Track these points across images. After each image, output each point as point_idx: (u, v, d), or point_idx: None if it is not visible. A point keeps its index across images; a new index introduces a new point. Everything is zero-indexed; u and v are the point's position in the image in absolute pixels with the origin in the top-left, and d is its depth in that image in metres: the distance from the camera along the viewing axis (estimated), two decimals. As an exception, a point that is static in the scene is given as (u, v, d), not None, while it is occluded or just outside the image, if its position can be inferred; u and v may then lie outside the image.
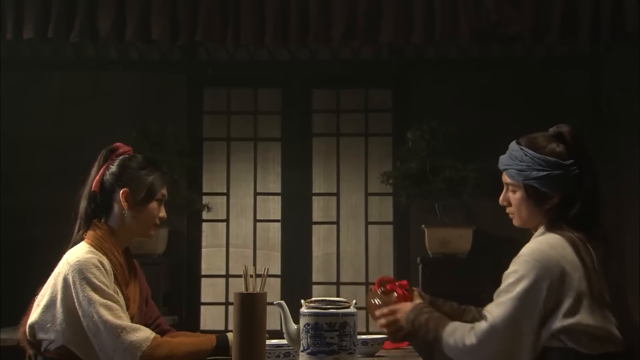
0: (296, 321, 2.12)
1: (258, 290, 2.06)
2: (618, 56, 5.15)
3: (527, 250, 2.09)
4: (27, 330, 2.23)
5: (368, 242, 5.53)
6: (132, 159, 2.38)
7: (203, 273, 5.52)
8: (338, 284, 5.50)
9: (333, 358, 2.01)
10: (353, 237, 5.56)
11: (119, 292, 2.24)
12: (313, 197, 5.56)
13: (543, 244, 2.08)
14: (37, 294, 2.28)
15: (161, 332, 2.41)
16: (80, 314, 2.15)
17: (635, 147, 4.94)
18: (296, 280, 5.42)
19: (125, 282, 2.31)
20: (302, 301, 2.11)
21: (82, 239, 2.30)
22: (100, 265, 2.21)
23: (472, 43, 4.65)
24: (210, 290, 5.52)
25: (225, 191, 5.60)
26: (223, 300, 5.50)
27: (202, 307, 5.50)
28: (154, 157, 2.49)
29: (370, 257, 5.52)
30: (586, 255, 2.06)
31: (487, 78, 5.42)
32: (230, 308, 5.28)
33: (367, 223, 5.54)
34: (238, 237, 5.58)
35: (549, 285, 2.02)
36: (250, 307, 2.01)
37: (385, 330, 2.28)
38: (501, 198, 2.27)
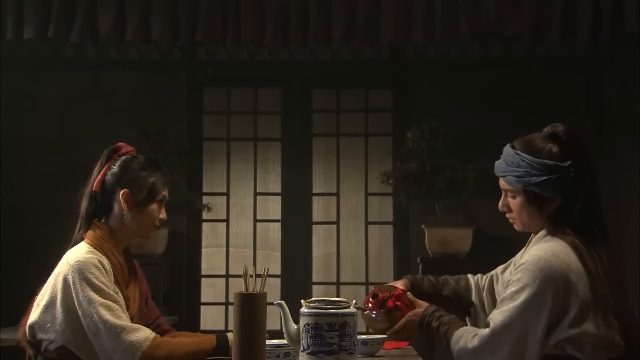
0: (296, 321, 2.12)
1: (258, 290, 2.06)
2: (618, 56, 5.15)
3: (531, 258, 2.05)
4: (27, 330, 2.23)
5: (368, 242, 5.53)
6: (134, 159, 2.38)
7: (203, 273, 5.52)
8: (338, 284, 5.50)
9: (333, 358, 2.01)
10: (353, 237, 5.56)
11: (119, 292, 2.23)
12: (313, 197, 5.56)
13: (547, 253, 2.04)
14: (37, 294, 2.28)
15: (161, 332, 2.41)
16: (80, 314, 2.15)
17: (635, 147, 4.94)
18: (296, 280, 5.42)
19: (125, 282, 2.31)
20: (302, 301, 2.11)
21: (82, 239, 2.30)
22: (100, 265, 2.20)
23: (472, 43, 4.65)
24: (210, 290, 5.52)
25: (225, 191, 5.60)
26: (223, 300, 5.51)
27: (202, 307, 5.51)
28: (155, 158, 2.48)
29: (370, 257, 5.52)
30: (590, 261, 2.03)
31: (487, 78, 5.42)
32: (230, 308, 5.28)
33: (367, 223, 5.54)
34: (238, 237, 5.58)
35: (553, 295, 1.99)
36: (250, 307, 2.00)
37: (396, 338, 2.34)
38: (500, 204, 2.24)
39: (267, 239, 5.57)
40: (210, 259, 5.55)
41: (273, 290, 5.24)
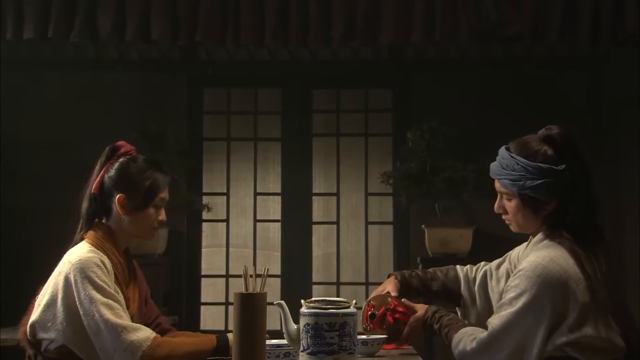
0: (296, 321, 2.12)
1: (258, 290, 2.06)
2: (618, 56, 5.15)
3: (528, 265, 2.05)
4: (27, 329, 2.22)
5: (368, 242, 5.53)
6: (131, 162, 2.35)
7: (203, 273, 5.52)
8: (338, 284, 5.50)
9: (333, 358, 2.01)
10: (353, 237, 5.56)
11: (119, 292, 2.24)
12: (313, 197, 5.56)
13: (545, 259, 2.04)
14: (37, 294, 2.27)
15: (162, 331, 2.41)
16: (81, 312, 2.15)
17: (635, 148, 4.94)
18: (296, 280, 5.42)
19: (125, 282, 2.31)
20: (302, 301, 2.11)
21: (83, 239, 2.30)
22: (101, 265, 2.21)
23: (472, 43, 4.65)
24: (210, 290, 5.52)
25: (225, 191, 5.60)
26: (223, 300, 5.51)
27: (202, 307, 5.51)
28: (155, 158, 2.47)
29: (370, 257, 5.52)
30: (588, 265, 2.03)
31: (487, 78, 5.42)
32: (230, 308, 5.28)
33: (367, 223, 5.54)
34: (238, 237, 5.58)
35: (551, 301, 2.00)
36: (250, 307, 2.00)
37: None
38: (496, 206, 2.24)
39: (267, 239, 5.57)
40: (210, 259, 5.55)
41: (273, 290, 5.24)
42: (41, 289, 2.27)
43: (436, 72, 5.51)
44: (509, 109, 5.29)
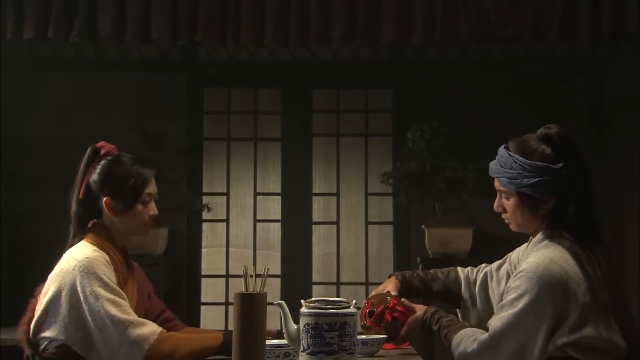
0: (296, 321, 2.12)
1: (258, 290, 2.06)
2: (618, 56, 5.15)
3: (529, 266, 2.05)
4: (31, 328, 2.23)
5: (368, 242, 5.53)
6: (113, 163, 2.35)
7: (203, 273, 5.52)
8: (338, 284, 5.50)
9: (333, 358, 2.01)
10: (353, 237, 5.56)
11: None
12: (313, 197, 5.56)
13: (545, 259, 2.04)
14: (37, 294, 2.27)
15: (169, 325, 2.42)
16: (86, 309, 2.15)
17: (635, 148, 4.94)
18: (296, 280, 5.42)
19: (125, 280, 2.31)
20: (302, 301, 2.11)
21: (81, 240, 2.30)
22: (107, 263, 2.22)
23: (472, 43, 4.65)
24: (210, 290, 5.52)
25: (225, 191, 5.60)
26: (223, 300, 5.51)
27: (202, 307, 5.50)
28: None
29: (370, 257, 5.52)
30: (589, 266, 2.03)
31: (487, 78, 5.42)
32: (230, 308, 5.28)
33: (367, 223, 5.54)
34: (238, 237, 5.58)
35: (552, 302, 2.00)
36: (250, 307, 2.01)
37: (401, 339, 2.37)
38: (495, 204, 2.25)
39: (267, 239, 5.57)
40: (210, 259, 5.55)
41: (273, 290, 5.24)
42: (41, 289, 2.28)
43: (436, 72, 5.51)
44: (508, 109, 5.29)
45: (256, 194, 5.60)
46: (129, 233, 2.38)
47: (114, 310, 2.14)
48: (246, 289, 2.06)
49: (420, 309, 2.33)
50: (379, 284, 2.61)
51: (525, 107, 5.24)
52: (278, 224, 5.56)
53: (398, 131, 5.39)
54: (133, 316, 2.18)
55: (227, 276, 5.52)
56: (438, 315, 2.26)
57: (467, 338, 2.13)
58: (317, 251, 5.54)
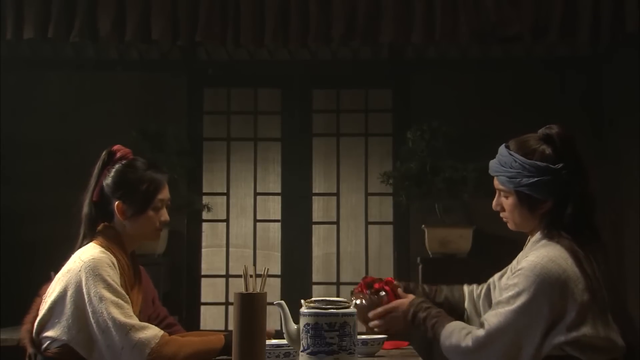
0: (296, 321, 2.12)
1: (258, 290, 2.06)
2: (618, 56, 5.15)
3: (527, 264, 2.06)
4: (34, 327, 2.23)
5: (368, 242, 5.53)
6: (127, 168, 2.36)
7: (203, 273, 5.52)
8: (338, 284, 5.50)
9: (333, 358, 2.01)
10: (353, 237, 5.56)
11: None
12: (313, 197, 5.56)
13: (544, 258, 2.04)
14: (42, 293, 2.28)
15: (171, 331, 2.42)
16: (89, 310, 2.16)
17: (635, 148, 4.94)
18: (296, 280, 5.42)
19: (131, 285, 2.32)
20: (302, 301, 2.11)
21: (90, 241, 2.30)
22: (112, 265, 2.22)
23: (472, 43, 4.65)
24: (210, 290, 5.52)
25: (225, 191, 5.60)
26: (223, 300, 5.51)
27: (202, 307, 5.51)
28: (152, 159, 2.48)
29: (370, 257, 5.52)
30: (587, 265, 2.04)
31: (487, 78, 5.42)
32: (230, 308, 5.28)
33: (367, 223, 5.54)
34: (238, 237, 5.58)
35: (549, 300, 2.00)
36: (250, 307, 2.01)
37: (378, 330, 2.33)
38: (494, 203, 2.26)
39: (267, 239, 5.57)
40: (210, 259, 5.55)
41: (273, 290, 5.24)
42: (46, 288, 2.28)
43: (436, 72, 5.51)
44: (508, 109, 5.29)
45: (256, 194, 5.60)
46: (139, 237, 2.39)
47: (117, 313, 2.15)
48: (246, 289, 2.06)
49: (410, 297, 2.34)
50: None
51: (525, 107, 5.24)
52: (278, 224, 5.56)
53: (398, 131, 5.39)
54: (135, 320, 2.18)
55: (227, 276, 5.52)
56: (426, 305, 2.28)
57: (458, 331, 2.13)
58: (317, 251, 5.54)
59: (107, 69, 5.51)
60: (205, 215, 5.48)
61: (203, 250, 5.54)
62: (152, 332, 2.17)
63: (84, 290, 2.17)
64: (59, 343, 2.18)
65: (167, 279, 5.18)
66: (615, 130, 5.19)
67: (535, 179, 2.11)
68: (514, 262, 2.41)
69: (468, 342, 2.08)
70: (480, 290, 2.49)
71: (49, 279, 2.31)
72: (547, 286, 2.00)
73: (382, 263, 5.51)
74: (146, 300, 2.44)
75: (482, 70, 5.45)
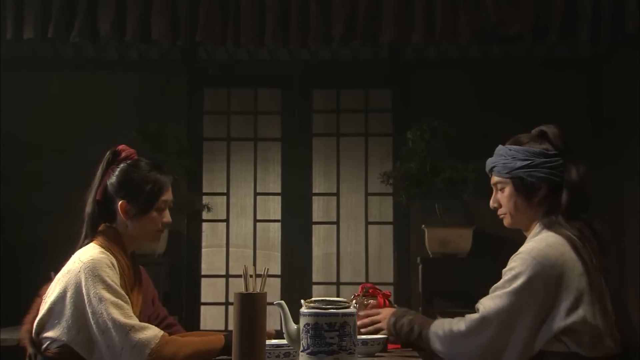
0: (296, 321, 2.12)
1: (258, 290, 2.06)
2: (618, 56, 5.15)
3: (525, 248, 2.10)
4: (34, 327, 2.23)
5: (368, 242, 5.54)
6: (132, 168, 2.36)
7: (203, 273, 5.52)
8: (338, 284, 5.50)
9: (333, 358, 2.01)
10: (353, 237, 5.56)
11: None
12: (313, 197, 5.56)
13: (542, 243, 2.08)
14: (42, 293, 2.28)
15: (171, 331, 2.42)
16: (89, 311, 2.15)
17: (635, 148, 4.94)
18: (296, 280, 5.42)
19: (131, 285, 2.32)
20: (302, 301, 2.11)
21: (91, 242, 2.30)
22: (112, 265, 2.22)
23: (472, 43, 4.65)
24: (210, 290, 5.52)
25: (225, 191, 5.60)
26: (223, 300, 5.51)
27: (202, 307, 5.51)
28: (156, 160, 2.48)
29: (370, 257, 5.52)
30: (585, 253, 2.06)
31: (487, 78, 5.42)
32: (230, 308, 5.28)
33: (367, 223, 5.55)
34: (238, 237, 5.58)
35: (545, 283, 2.02)
36: (250, 307, 2.01)
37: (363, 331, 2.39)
38: (491, 201, 2.30)
39: (267, 239, 5.57)
40: (210, 259, 5.55)
41: (273, 290, 5.24)
42: (46, 289, 2.28)
43: (436, 72, 5.52)
44: (509, 109, 5.29)
45: (256, 194, 5.60)
46: (140, 238, 2.39)
47: (116, 314, 2.14)
48: (246, 289, 2.06)
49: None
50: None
51: (525, 107, 5.24)
52: (278, 224, 5.56)
53: (398, 131, 5.39)
54: (135, 320, 2.18)
55: (227, 276, 5.52)
56: (415, 312, 2.33)
57: (449, 320, 2.15)
58: (317, 251, 5.54)
59: (107, 69, 5.51)
60: (205, 215, 5.48)
61: (203, 250, 5.54)
62: (152, 332, 2.17)
63: (84, 291, 2.17)
64: (59, 343, 2.18)
65: (167, 279, 5.18)
66: (615, 130, 5.19)
67: (529, 161, 2.16)
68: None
69: (461, 326, 2.10)
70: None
71: (49, 279, 2.31)
72: (544, 268, 2.03)
73: (382, 263, 5.51)
74: (146, 301, 2.44)
75: (482, 70, 5.45)
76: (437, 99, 5.42)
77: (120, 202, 2.32)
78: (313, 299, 2.10)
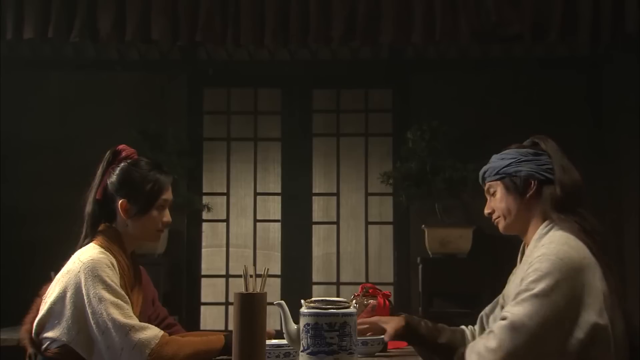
0: (296, 321, 2.12)
1: (258, 291, 2.06)
2: (618, 56, 5.15)
3: (547, 250, 1.98)
4: (33, 327, 2.23)
5: (368, 242, 5.54)
6: (132, 167, 2.36)
7: (203, 273, 5.52)
8: (338, 284, 5.50)
9: (333, 358, 2.01)
10: (353, 237, 5.56)
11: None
12: (313, 197, 5.57)
13: (564, 245, 1.98)
14: (42, 294, 2.28)
15: (171, 331, 2.42)
16: (89, 311, 2.15)
17: (635, 148, 4.94)
18: (296, 280, 5.42)
19: (131, 285, 2.31)
20: (302, 301, 2.11)
21: (91, 242, 2.30)
22: (112, 266, 2.22)
23: (472, 43, 4.65)
24: (210, 290, 5.52)
25: (225, 191, 5.60)
26: (223, 300, 5.51)
27: (202, 307, 5.51)
28: (156, 159, 2.47)
29: (370, 257, 5.52)
30: (599, 254, 1.99)
31: (487, 78, 5.42)
32: (230, 308, 5.28)
33: (367, 223, 5.55)
34: (238, 237, 5.58)
35: (572, 285, 1.92)
36: (250, 307, 2.00)
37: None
38: (485, 208, 2.25)
39: (267, 239, 5.57)
40: (210, 259, 5.55)
41: (273, 290, 5.24)
42: (46, 289, 2.28)
43: (436, 72, 5.52)
44: (509, 109, 5.29)
45: (256, 194, 5.60)
46: (140, 238, 2.38)
47: (116, 314, 2.14)
48: (246, 289, 2.06)
49: (398, 317, 2.28)
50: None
51: (525, 107, 5.24)
52: (278, 224, 5.56)
53: (398, 131, 5.39)
54: (135, 320, 2.18)
55: (227, 276, 5.52)
56: (424, 320, 2.28)
57: (479, 339, 2.01)
58: (317, 251, 5.54)
59: (107, 69, 5.51)
60: (205, 215, 5.49)
61: (203, 250, 5.54)
62: (151, 332, 2.17)
63: (84, 291, 2.17)
64: (59, 343, 2.18)
65: (167, 279, 5.18)
66: (615, 130, 5.19)
67: (517, 157, 2.16)
68: (505, 291, 2.32)
69: (492, 342, 1.92)
70: (476, 325, 2.37)
71: (49, 279, 2.31)
72: (570, 269, 1.93)
73: (382, 263, 5.51)
74: (146, 301, 2.44)
75: (482, 70, 5.45)
76: (437, 99, 5.42)
77: (120, 201, 2.32)
78: (313, 299, 2.10)
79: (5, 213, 5.12)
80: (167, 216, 2.40)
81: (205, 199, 5.45)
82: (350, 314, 2.05)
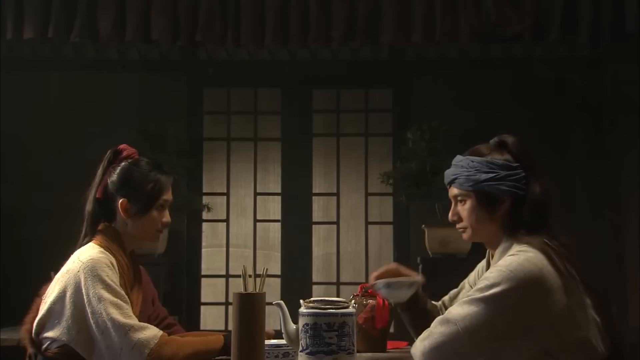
0: (295, 321, 2.12)
1: (257, 291, 2.06)
2: (618, 56, 5.15)
3: (503, 262, 2.00)
4: (33, 327, 2.23)
5: (368, 242, 5.54)
6: (133, 167, 2.37)
7: (203, 273, 5.52)
8: (338, 284, 5.50)
9: (332, 358, 2.01)
10: (353, 237, 5.56)
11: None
12: (313, 197, 5.57)
13: (520, 257, 1.99)
14: (42, 294, 2.28)
15: (170, 331, 2.42)
16: (89, 311, 2.15)
17: (635, 147, 4.94)
18: (296, 280, 5.42)
19: (130, 285, 2.31)
20: (301, 301, 2.11)
21: (90, 241, 2.31)
22: (111, 265, 2.22)
23: (472, 43, 4.65)
24: (210, 290, 5.52)
25: (225, 191, 5.60)
26: (223, 300, 5.51)
27: (202, 307, 5.51)
28: (156, 160, 2.48)
29: (370, 257, 5.52)
30: (560, 264, 1.99)
31: (487, 78, 5.42)
32: (230, 308, 5.27)
33: (367, 223, 5.55)
34: (238, 237, 5.58)
35: (522, 297, 1.93)
36: (249, 307, 2.01)
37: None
38: (450, 213, 2.21)
39: (267, 239, 5.57)
40: (210, 259, 5.55)
41: (273, 290, 5.24)
42: (46, 289, 2.28)
43: (436, 72, 5.52)
44: (509, 109, 5.29)
45: (256, 194, 5.60)
46: (140, 237, 2.39)
47: (116, 314, 2.14)
48: (245, 289, 2.06)
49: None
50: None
51: (525, 107, 5.24)
52: (278, 224, 5.56)
53: (398, 131, 5.39)
54: (134, 320, 2.18)
55: (227, 276, 5.52)
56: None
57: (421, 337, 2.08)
58: (317, 251, 5.54)
59: (107, 69, 5.51)
60: (205, 215, 5.49)
61: (203, 250, 5.54)
62: (151, 332, 2.17)
63: (83, 290, 2.17)
64: (59, 343, 2.18)
65: (167, 279, 5.18)
66: (615, 130, 5.19)
67: (494, 173, 2.11)
68: (471, 277, 2.39)
69: (424, 333, 2.02)
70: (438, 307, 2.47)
71: (49, 279, 2.31)
72: (521, 282, 1.94)
73: (382, 263, 5.48)
74: (146, 301, 2.44)
75: (482, 70, 5.45)
76: (437, 99, 5.42)
77: (120, 201, 2.33)
78: (312, 299, 2.10)
79: (5, 213, 5.12)
80: (166, 216, 2.40)
81: (205, 199, 5.45)
82: (349, 314, 2.05)
